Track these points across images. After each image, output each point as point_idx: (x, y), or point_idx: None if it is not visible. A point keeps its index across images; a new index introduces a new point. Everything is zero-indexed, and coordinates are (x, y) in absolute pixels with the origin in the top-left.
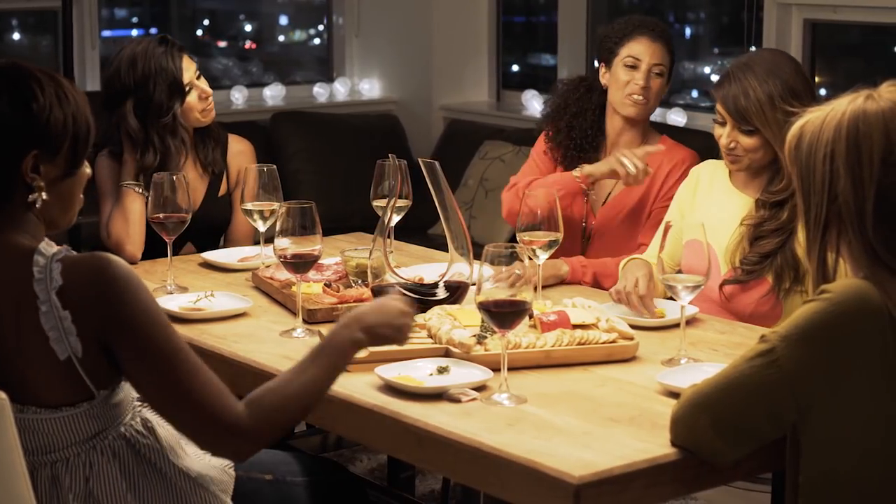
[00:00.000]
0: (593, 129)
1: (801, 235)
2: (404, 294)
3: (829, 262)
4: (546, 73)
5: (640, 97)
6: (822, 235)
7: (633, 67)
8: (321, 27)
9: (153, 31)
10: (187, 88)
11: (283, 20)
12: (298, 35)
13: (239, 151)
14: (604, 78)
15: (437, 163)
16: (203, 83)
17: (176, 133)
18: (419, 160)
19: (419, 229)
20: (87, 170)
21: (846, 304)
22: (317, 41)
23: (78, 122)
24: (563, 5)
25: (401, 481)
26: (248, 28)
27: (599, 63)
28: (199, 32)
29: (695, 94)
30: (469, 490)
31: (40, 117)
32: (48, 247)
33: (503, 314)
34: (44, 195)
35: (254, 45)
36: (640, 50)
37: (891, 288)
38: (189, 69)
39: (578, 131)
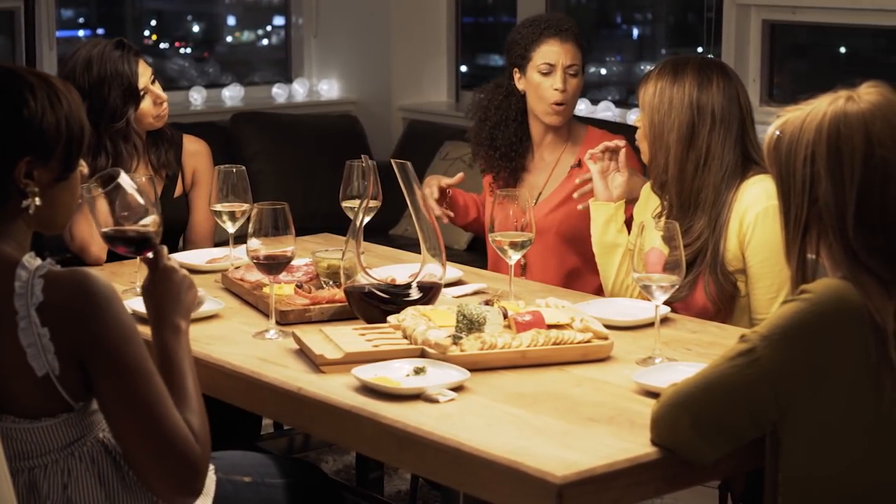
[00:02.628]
0: (517, 135)
1: (728, 249)
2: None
3: (808, 263)
4: (495, 74)
5: (561, 104)
6: (802, 237)
7: (549, 73)
8: (269, 28)
9: (100, 31)
10: (142, 93)
11: (231, 21)
12: (247, 36)
13: (195, 152)
14: (520, 83)
15: (409, 163)
16: (157, 88)
17: (129, 138)
18: (391, 161)
19: (381, 230)
20: (84, 169)
21: (826, 305)
22: (265, 42)
23: (71, 125)
24: (522, 6)
25: (369, 482)
26: (195, 29)
27: (513, 69)
28: (147, 33)
29: None
30: (448, 491)
31: (32, 123)
32: (31, 260)
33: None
34: (37, 201)
35: (181, 45)
36: (551, 53)
37: (871, 289)
38: (145, 74)
39: (502, 140)
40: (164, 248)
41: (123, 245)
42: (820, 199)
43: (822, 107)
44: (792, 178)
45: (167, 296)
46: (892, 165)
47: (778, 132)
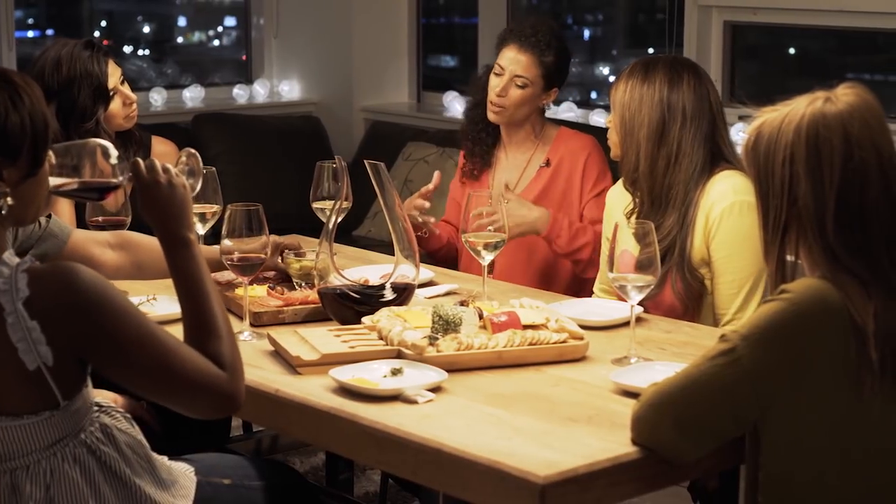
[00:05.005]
0: (483, 122)
1: (694, 252)
2: None
3: (787, 263)
4: (445, 75)
5: (496, 105)
6: (782, 238)
7: (498, 75)
8: (220, 28)
9: (50, 32)
10: (111, 94)
11: (182, 21)
12: (198, 36)
13: (163, 153)
14: None
15: (382, 164)
16: (126, 88)
17: (98, 138)
18: (365, 162)
19: (345, 231)
20: (52, 160)
21: (806, 304)
22: (216, 42)
23: (35, 122)
24: (484, 6)
25: (339, 483)
26: (146, 30)
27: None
28: (97, 34)
29: (594, 94)
30: (428, 491)
31: None
32: (11, 257)
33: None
34: (9, 200)
35: (105, 41)
36: (505, 58)
37: (851, 290)
38: (114, 74)
39: (472, 125)
40: (139, 162)
41: (87, 193)
42: (799, 200)
43: (801, 108)
44: (771, 179)
45: (162, 212)
46: (871, 166)
47: (756, 133)
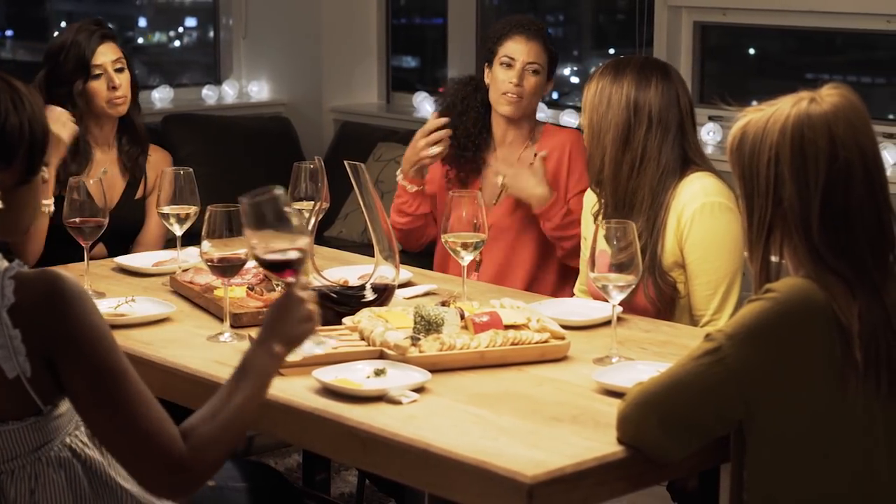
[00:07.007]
0: (476, 127)
1: (666, 254)
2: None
3: (771, 263)
4: (407, 75)
5: (513, 95)
6: (766, 238)
7: (509, 66)
8: (181, 29)
9: (9, 33)
10: (96, 72)
11: (142, 22)
12: (158, 37)
13: (156, 160)
14: (487, 78)
15: (362, 165)
16: (118, 76)
17: (75, 106)
18: (345, 163)
19: (316, 232)
20: (46, 175)
21: (792, 304)
22: (177, 43)
23: (34, 129)
24: (453, 7)
25: (316, 484)
26: None
27: (485, 63)
28: (56, 34)
29: (555, 95)
30: (413, 492)
31: None
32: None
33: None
34: None
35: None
36: (515, 49)
37: (835, 289)
38: (106, 54)
39: (461, 130)
40: (304, 279)
41: (270, 268)
42: (784, 201)
43: (785, 108)
44: (756, 180)
45: (281, 319)
46: (855, 167)
47: (740, 133)
